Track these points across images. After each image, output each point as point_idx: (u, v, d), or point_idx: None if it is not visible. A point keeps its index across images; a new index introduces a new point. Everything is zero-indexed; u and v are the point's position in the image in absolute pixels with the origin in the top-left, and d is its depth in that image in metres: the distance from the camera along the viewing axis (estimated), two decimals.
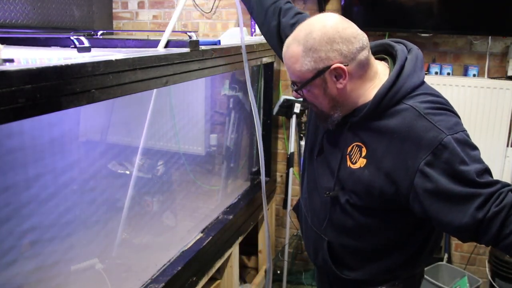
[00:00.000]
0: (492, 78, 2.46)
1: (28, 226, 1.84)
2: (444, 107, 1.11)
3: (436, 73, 2.52)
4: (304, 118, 2.84)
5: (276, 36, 1.49)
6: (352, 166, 1.18)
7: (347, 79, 1.11)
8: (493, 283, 2.40)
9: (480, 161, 1.05)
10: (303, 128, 2.85)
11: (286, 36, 1.40)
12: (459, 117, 1.12)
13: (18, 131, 1.85)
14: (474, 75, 2.47)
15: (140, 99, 2.63)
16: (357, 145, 1.17)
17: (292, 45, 1.14)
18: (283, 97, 2.66)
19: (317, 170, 1.31)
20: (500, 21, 2.30)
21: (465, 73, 2.50)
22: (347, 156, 1.19)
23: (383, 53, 1.23)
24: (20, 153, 1.89)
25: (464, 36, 2.49)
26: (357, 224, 1.22)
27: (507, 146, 2.44)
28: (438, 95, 1.15)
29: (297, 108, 2.66)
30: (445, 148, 1.02)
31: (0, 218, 1.74)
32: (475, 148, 1.07)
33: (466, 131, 1.08)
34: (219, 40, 1.88)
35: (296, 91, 1.18)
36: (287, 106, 2.66)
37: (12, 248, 1.78)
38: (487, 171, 1.05)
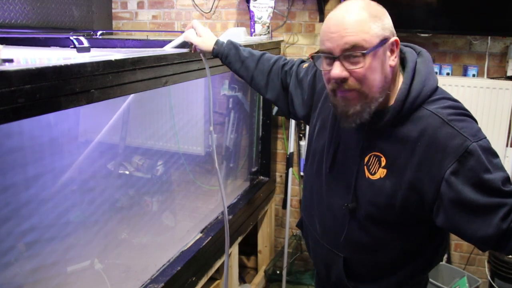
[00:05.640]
0: (491, 78, 2.46)
1: (23, 227, 1.84)
2: (466, 113, 1.09)
3: (436, 73, 2.51)
4: None
5: (282, 91, 1.49)
6: (371, 177, 1.13)
7: (397, 58, 1.08)
8: (493, 283, 2.40)
9: (502, 169, 1.03)
10: (302, 128, 2.84)
11: (293, 78, 1.44)
12: (476, 121, 1.10)
13: (17, 131, 1.85)
14: (473, 75, 2.47)
15: (139, 98, 2.63)
16: (375, 155, 1.13)
17: (352, 11, 1.04)
18: None
19: (329, 186, 1.25)
20: (500, 21, 2.30)
21: (465, 73, 2.50)
22: (365, 166, 1.15)
23: None
24: (17, 153, 1.89)
25: (463, 36, 2.49)
26: (374, 238, 1.19)
27: (507, 146, 2.45)
28: (456, 99, 1.13)
29: None
30: (471, 156, 1.00)
31: None
32: (497, 155, 1.05)
33: (487, 138, 1.06)
34: None
35: (364, 55, 1.02)
36: None
37: (9, 248, 1.78)
38: (509, 179, 1.03)
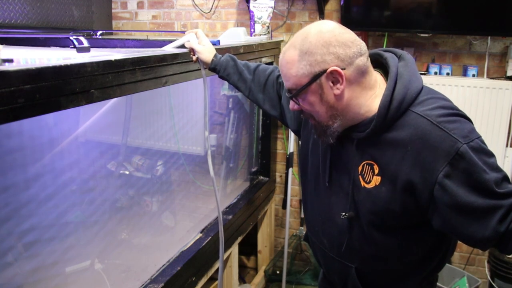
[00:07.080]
0: (491, 78, 2.46)
1: (23, 227, 1.84)
2: (457, 113, 1.07)
3: (435, 73, 2.52)
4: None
5: (278, 102, 1.51)
6: (367, 186, 1.13)
7: (345, 84, 1.06)
8: (492, 283, 2.40)
9: (498, 169, 1.02)
10: None
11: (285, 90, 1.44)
12: (470, 120, 1.09)
13: (17, 131, 1.85)
14: (473, 75, 2.47)
15: (138, 98, 2.63)
16: (367, 164, 1.13)
17: (288, 50, 1.11)
18: None
19: (330, 199, 1.25)
20: (500, 21, 2.30)
21: (465, 73, 2.50)
22: (359, 176, 1.15)
23: (373, 64, 1.17)
24: (18, 153, 1.89)
25: (463, 36, 2.49)
26: (381, 247, 1.18)
27: (507, 146, 2.45)
28: (446, 98, 1.12)
29: None
30: (462, 158, 0.99)
31: None
32: (491, 155, 1.03)
33: (480, 137, 1.04)
34: (219, 40, 1.88)
35: (291, 98, 1.13)
36: None
37: (9, 248, 1.78)
38: (505, 178, 1.02)
